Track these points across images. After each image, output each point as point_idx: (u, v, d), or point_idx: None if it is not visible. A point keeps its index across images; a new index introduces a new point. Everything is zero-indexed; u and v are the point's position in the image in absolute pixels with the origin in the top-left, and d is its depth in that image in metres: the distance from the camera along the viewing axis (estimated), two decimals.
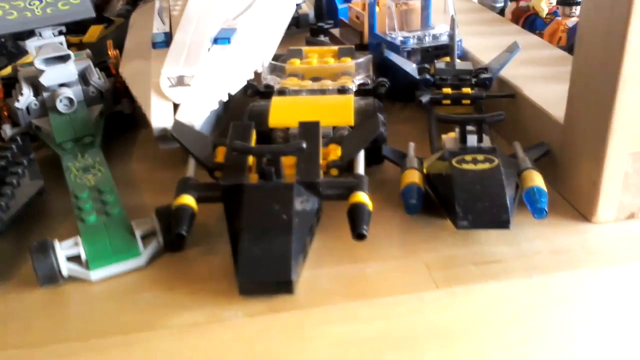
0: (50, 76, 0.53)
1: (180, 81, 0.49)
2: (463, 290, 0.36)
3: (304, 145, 0.39)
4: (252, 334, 0.34)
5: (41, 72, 0.53)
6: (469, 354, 0.36)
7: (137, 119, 0.57)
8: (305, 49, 0.61)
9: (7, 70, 0.61)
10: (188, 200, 0.38)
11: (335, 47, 0.61)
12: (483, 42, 0.63)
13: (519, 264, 0.37)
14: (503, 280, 0.36)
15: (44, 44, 0.57)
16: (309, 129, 0.42)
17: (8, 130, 0.53)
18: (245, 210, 0.37)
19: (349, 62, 0.56)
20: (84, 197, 0.42)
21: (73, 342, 0.34)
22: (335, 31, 0.75)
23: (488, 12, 0.77)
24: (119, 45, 0.61)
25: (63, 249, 0.38)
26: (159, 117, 0.47)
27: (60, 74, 0.54)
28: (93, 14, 0.66)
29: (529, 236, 0.40)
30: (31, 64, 0.59)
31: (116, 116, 0.56)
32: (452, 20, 0.55)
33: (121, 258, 0.38)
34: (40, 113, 0.53)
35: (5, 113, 0.54)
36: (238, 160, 0.40)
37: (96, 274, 0.38)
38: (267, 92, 0.52)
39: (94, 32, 0.74)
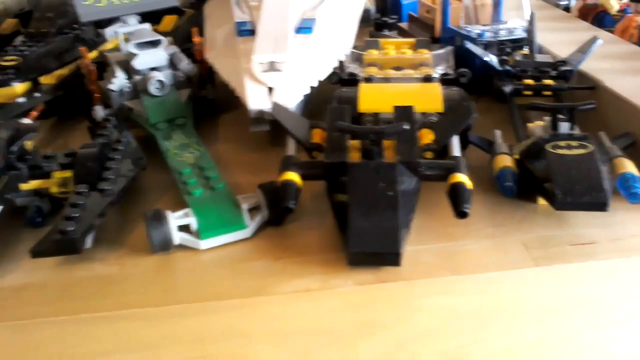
0: (143, 60, 0.56)
1: (272, 66, 0.51)
2: (562, 269, 0.37)
3: (407, 126, 0.40)
4: (360, 302, 0.36)
5: (133, 55, 0.55)
6: (567, 330, 0.37)
7: (218, 104, 0.60)
8: (382, 40, 0.62)
9: (94, 54, 0.63)
10: (293, 176, 0.40)
11: (412, 39, 0.62)
12: (555, 37, 0.64)
13: (614, 246, 0.38)
14: (601, 261, 0.37)
15: (134, 30, 0.60)
16: (404, 113, 0.44)
17: (100, 111, 0.56)
18: (352, 186, 0.39)
19: (429, 53, 0.57)
20: (187, 173, 0.44)
21: (190, 304, 0.36)
22: (404, 25, 0.77)
23: (555, 10, 0.78)
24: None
25: (175, 219, 0.40)
26: (255, 100, 0.49)
27: (152, 58, 0.56)
28: (176, 3, 0.69)
29: (620, 220, 0.40)
30: (116, 49, 0.62)
31: (200, 101, 0.59)
32: (532, 15, 0.56)
33: (230, 229, 0.40)
34: (132, 95, 0.56)
35: (97, 95, 0.57)
36: (339, 140, 0.42)
37: (206, 244, 0.40)
38: (351, 80, 0.53)
39: (168, 21, 0.76)
